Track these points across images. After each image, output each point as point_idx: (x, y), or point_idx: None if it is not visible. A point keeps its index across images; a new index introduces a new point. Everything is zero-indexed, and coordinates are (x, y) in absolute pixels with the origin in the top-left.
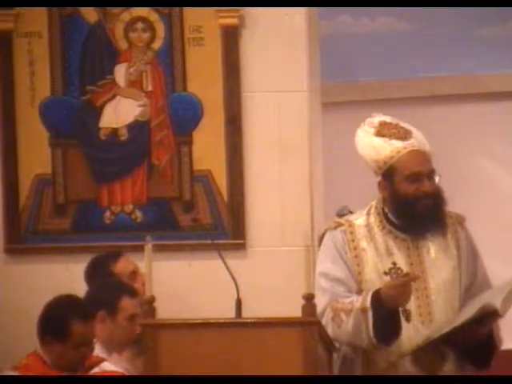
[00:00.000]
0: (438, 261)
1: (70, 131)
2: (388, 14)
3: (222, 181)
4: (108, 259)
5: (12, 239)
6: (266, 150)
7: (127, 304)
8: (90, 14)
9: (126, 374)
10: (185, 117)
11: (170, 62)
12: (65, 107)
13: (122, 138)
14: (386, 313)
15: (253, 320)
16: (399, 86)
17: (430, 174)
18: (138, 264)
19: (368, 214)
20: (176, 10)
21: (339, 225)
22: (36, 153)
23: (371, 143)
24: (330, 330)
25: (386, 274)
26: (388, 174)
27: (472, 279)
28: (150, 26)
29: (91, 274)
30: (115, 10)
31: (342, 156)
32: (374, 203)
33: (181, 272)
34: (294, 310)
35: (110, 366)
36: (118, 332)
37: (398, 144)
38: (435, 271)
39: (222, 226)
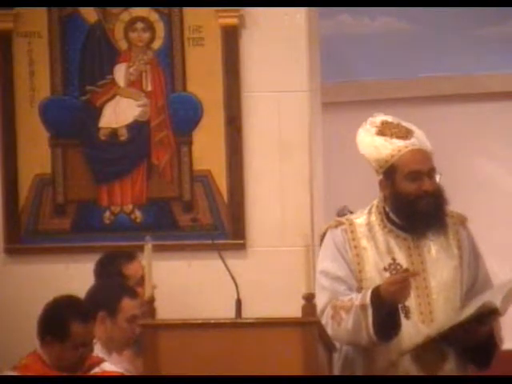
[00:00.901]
0: (438, 260)
1: (69, 131)
2: (388, 14)
3: (221, 181)
4: (121, 258)
5: (12, 239)
6: (266, 150)
7: (128, 305)
8: (90, 13)
9: (126, 374)
10: (185, 117)
11: (170, 61)
12: (65, 107)
13: (122, 138)
14: (386, 309)
15: (253, 320)
16: (399, 86)
17: (431, 172)
18: None
19: (369, 212)
20: (176, 10)
21: (340, 223)
22: (36, 153)
23: (372, 142)
24: (329, 329)
25: (385, 270)
26: (389, 172)
27: (473, 279)
28: (149, 26)
29: (100, 271)
30: (115, 9)
31: (342, 156)
32: (375, 202)
33: (181, 272)
34: (294, 310)
35: (110, 366)
36: (118, 332)
37: (399, 143)
38: (436, 270)
39: (222, 226)
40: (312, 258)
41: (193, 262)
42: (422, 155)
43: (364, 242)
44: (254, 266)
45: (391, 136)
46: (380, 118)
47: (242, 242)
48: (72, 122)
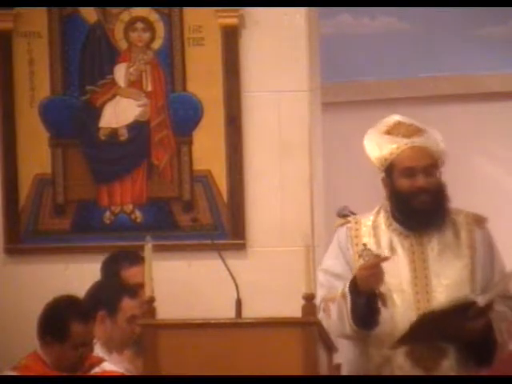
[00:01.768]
0: (443, 259)
1: (69, 131)
2: (388, 14)
3: (221, 181)
4: (123, 261)
5: (12, 239)
6: (266, 150)
7: (127, 305)
8: (90, 13)
9: (127, 373)
10: (185, 117)
11: (170, 61)
12: (65, 107)
13: (122, 138)
14: (364, 296)
15: (253, 320)
16: (399, 86)
17: (427, 169)
18: None
19: (378, 211)
20: (176, 9)
21: (346, 222)
22: (36, 153)
23: (376, 141)
24: (324, 322)
25: (359, 256)
26: (388, 170)
27: (487, 281)
28: (149, 26)
29: (102, 270)
30: (115, 9)
31: (342, 156)
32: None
33: (180, 272)
34: (294, 310)
35: (110, 366)
36: (118, 332)
37: (400, 141)
38: (439, 269)
39: (222, 226)
40: (312, 258)
41: (193, 262)
42: (419, 152)
43: (366, 239)
44: (253, 266)
45: (397, 135)
46: (395, 118)
47: (241, 242)
48: (72, 122)
